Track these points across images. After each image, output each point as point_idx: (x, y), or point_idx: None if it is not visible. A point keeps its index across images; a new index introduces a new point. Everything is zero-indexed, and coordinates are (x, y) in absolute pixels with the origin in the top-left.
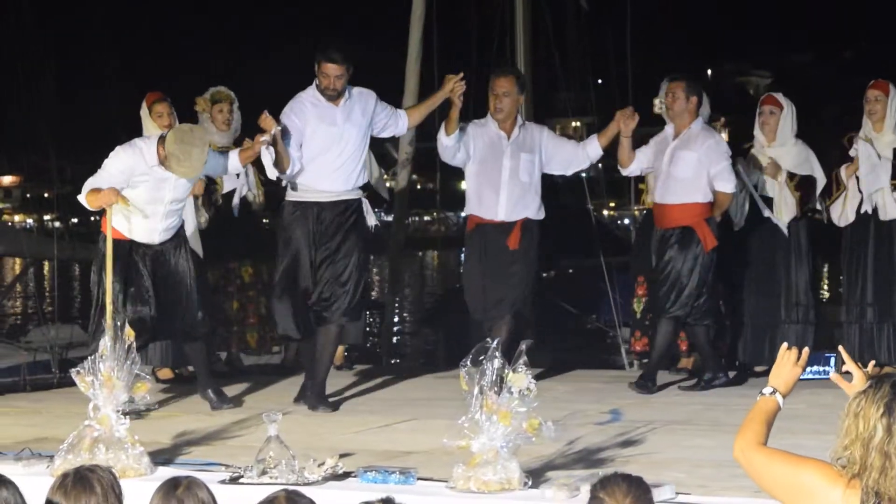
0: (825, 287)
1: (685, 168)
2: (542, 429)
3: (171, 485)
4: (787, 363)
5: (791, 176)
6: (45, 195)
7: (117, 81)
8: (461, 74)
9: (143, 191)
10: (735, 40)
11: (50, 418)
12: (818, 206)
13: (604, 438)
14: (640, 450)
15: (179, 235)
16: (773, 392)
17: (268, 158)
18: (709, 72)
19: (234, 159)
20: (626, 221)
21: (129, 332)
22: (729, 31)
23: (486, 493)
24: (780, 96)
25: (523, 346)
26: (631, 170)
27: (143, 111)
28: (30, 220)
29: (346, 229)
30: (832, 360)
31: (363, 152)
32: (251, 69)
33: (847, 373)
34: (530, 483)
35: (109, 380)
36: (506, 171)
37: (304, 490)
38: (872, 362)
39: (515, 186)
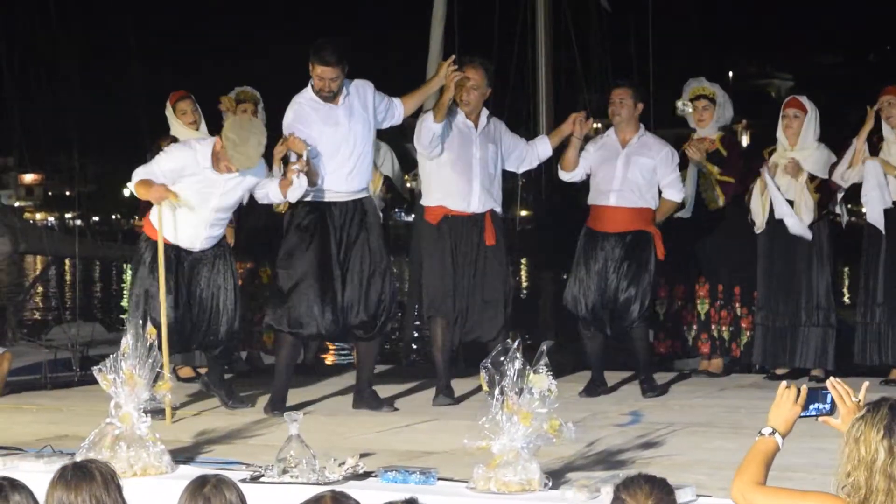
0: (846, 290)
1: (643, 173)
2: (562, 430)
3: (200, 483)
4: (787, 402)
5: (812, 178)
6: (67, 193)
7: (140, 80)
8: (453, 57)
9: (190, 192)
10: (757, 42)
11: (71, 416)
12: (838, 210)
13: (624, 440)
14: (660, 451)
15: (221, 246)
16: (773, 432)
17: (295, 184)
18: (730, 74)
19: (275, 191)
20: None
21: (151, 331)
22: (751, 32)
23: (507, 493)
24: (804, 99)
25: (544, 347)
26: (574, 174)
27: (168, 110)
28: (51, 218)
29: (367, 233)
30: (829, 397)
31: (371, 147)
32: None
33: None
34: (550, 484)
35: (131, 378)
36: (476, 161)
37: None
38: (866, 384)
39: (486, 177)
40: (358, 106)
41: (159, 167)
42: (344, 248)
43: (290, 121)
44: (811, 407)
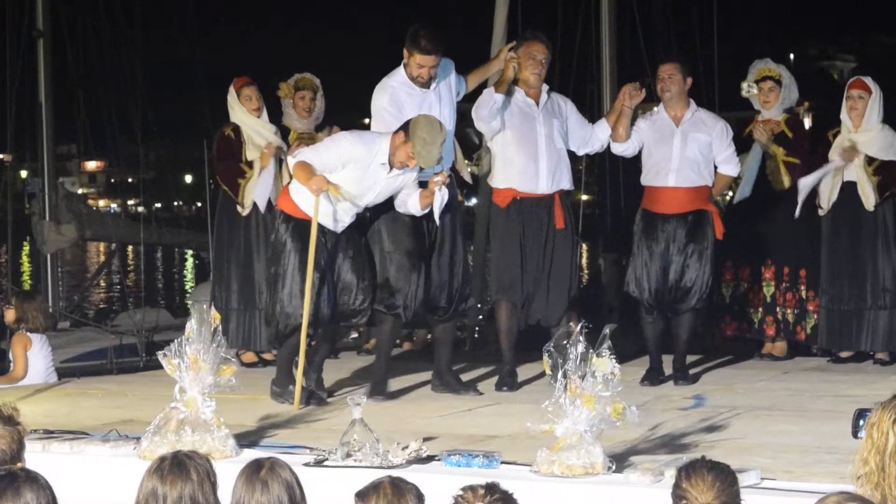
0: None
1: (701, 149)
2: (626, 413)
3: (255, 467)
4: None
5: (870, 161)
6: (129, 180)
7: (202, 69)
8: (513, 43)
9: (349, 183)
10: (818, 24)
11: (136, 400)
12: None
13: (687, 423)
14: (724, 435)
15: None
16: None
17: (437, 197)
18: (791, 56)
19: (414, 204)
20: None
21: (215, 316)
22: (812, 14)
23: (570, 477)
24: (868, 80)
25: (607, 331)
26: (626, 147)
27: (231, 95)
28: (114, 205)
29: (450, 215)
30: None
31: (454, 128)
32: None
33: None
34: (614, 467)
35: (195, 362)
36: (542, 138)
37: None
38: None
39: (553, 154)
40: (444, 88)
41: (328, 151)
42: (431, 230)
43: (384, 105)
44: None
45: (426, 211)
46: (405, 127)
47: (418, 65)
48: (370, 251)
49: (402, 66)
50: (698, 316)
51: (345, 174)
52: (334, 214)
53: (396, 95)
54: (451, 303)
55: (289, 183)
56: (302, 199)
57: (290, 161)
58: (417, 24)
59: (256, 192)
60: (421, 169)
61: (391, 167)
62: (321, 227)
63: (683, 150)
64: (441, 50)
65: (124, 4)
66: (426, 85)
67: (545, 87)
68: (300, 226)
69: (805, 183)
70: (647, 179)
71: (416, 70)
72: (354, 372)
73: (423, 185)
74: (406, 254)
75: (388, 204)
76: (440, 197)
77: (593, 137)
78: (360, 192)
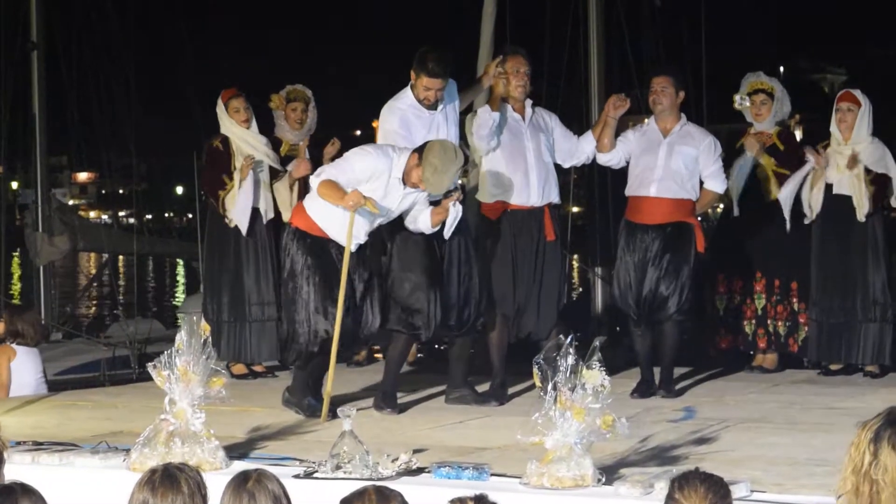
0: None
1: (686, 163)
2: (616, 425)
3: (242, 478)
4: None
5: (867, 171)
6: (120, 191)
7: (192, 78)
8: (500, 58)
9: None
10: (809, 37)
11: (126, 412)
12: (894, 204)
13: (678, 436)
14: (714, 447)
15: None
16: None
17: (452, 213)
18: (781, 69)
19: (425, 221)
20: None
21: (205, 327)
22: (803, 27)
23: (560, 489)
24: (857, 93)
25: (597, 343)
26: (611, 156)
27: (220, 107)
28: (104, 216)
29: (460, 231)
30: None
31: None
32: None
33: None
34: (604, 480)
35: (185, 374)
36: (530, 152)
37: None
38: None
39: (541, 168)
40: (451, 109)
41: (351, 167)
42: (443, 248)
43: (394, 127)
44: None
45: (437, 228)
46: (421, 149)
47: (425, 87)
48: (381, 274)
49: (408, 87)
50: (682, 327)
51: (366, 188)
52: (346, 231)
53: (406, 118)
54: (467, 318)
55: (302, 199)
56: (321, 216)
57: (314, 181)
58: (425, 46)
59: (237, 207)
60: None
61: (405, 184)
62: (337, 246)
63: (668, 162)
64: (448, 73)
65: (118, 16)
66: (433, 107)
67: (529, 102)
68: (316, 243)
69: (784, 195)
70: (630, 190)
71: (422, 92)
72: (346, 384)
73: (433, 203)
74: (421, 273)
75: (399, 225)
76: (454, 213)
77: (579, 150)
78: (378, 206)
